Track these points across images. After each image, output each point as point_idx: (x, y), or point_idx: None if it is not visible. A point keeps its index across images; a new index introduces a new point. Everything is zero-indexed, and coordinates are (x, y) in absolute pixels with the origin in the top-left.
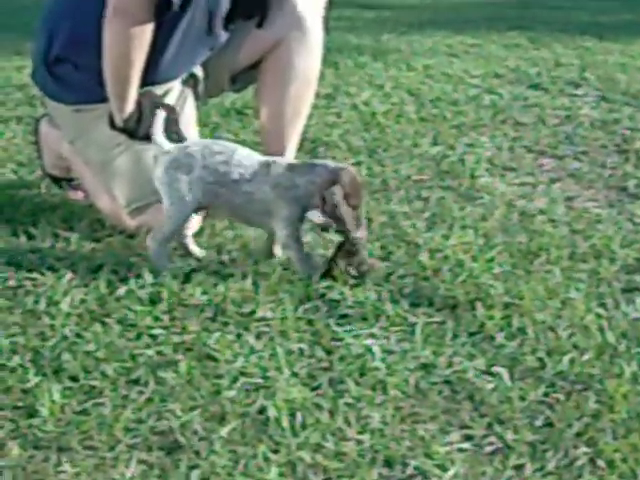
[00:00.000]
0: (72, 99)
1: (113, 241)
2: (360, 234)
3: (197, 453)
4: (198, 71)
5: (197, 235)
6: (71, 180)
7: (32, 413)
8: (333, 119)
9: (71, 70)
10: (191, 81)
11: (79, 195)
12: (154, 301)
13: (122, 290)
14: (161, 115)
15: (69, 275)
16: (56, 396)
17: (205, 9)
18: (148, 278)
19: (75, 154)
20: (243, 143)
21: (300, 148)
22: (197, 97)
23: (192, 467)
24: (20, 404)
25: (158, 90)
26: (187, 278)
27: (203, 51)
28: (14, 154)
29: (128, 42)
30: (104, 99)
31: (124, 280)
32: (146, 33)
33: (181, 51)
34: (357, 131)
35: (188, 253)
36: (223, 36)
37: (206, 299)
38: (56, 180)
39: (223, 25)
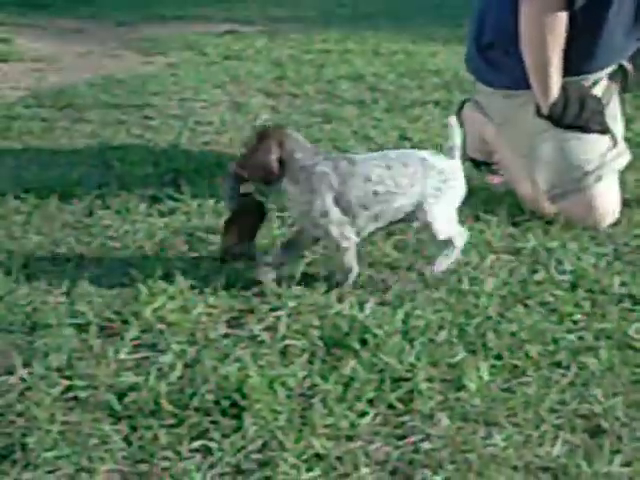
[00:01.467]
0: (502, 84)
1: (532, 226)
2: None
3: (619, 438)
4: (627, 64)
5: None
6: (490, 164)
7: (459, 387)
8: None
9: (502, 55)
10: (619, 74)
11: (496, 180)
12: (574, 287)
13: (542, 275)
14: None
15: (492, 257)
16: (483, 372)
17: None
18: (568, 265)
19: (500, 138)
20: None
21: None
22: (624, 90)
23: (615, 452)
24: (447, 377)
25: (586, 81)
26: (608, 266)
27: (631, 42)
28: (433, 137)
29: (541, 28)
30: (530, 86)
31: (544, 265)
32: (558, 18)
33: (610, 41)
34: None
35: None
36: None
37: (625, 290)
38: (476, 164)
39: None
